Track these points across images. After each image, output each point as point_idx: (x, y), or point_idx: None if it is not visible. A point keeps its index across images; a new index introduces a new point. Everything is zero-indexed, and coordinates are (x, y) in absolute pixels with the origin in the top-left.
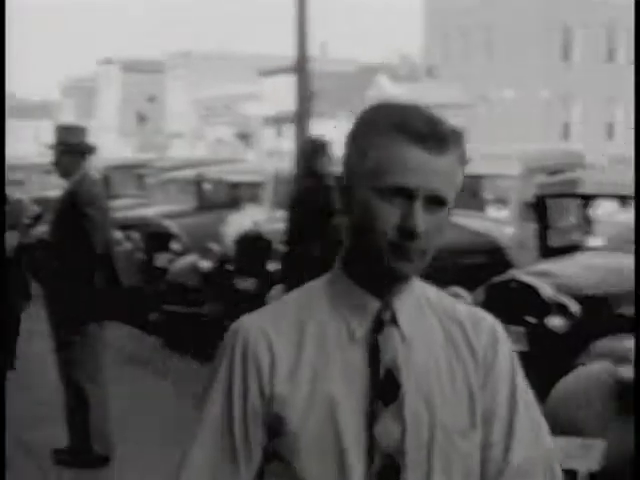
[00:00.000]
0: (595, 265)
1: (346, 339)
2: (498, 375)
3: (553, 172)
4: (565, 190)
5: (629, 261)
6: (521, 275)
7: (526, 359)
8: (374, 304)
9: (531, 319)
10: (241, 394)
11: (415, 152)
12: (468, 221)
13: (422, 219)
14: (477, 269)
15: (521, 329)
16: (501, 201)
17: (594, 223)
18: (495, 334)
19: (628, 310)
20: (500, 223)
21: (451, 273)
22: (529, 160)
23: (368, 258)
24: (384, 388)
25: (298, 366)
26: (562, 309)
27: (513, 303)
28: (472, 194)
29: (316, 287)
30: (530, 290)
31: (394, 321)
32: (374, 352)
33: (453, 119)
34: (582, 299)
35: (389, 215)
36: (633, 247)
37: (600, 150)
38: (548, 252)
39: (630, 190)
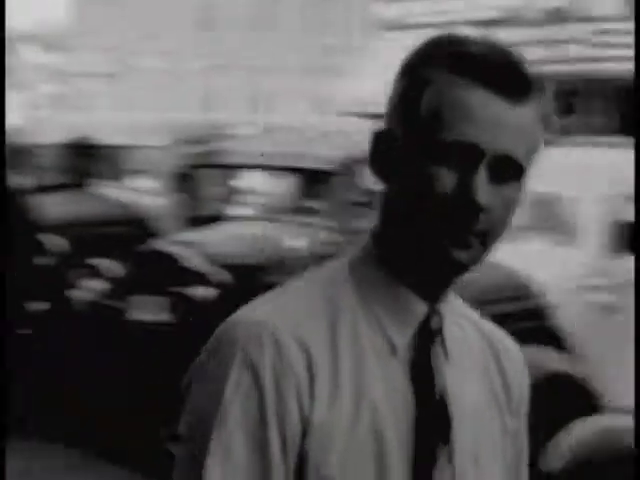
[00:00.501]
0: (242, 234)
1: (385, 350)
2: (524, 433)
3: (199, 142)
4: (211, 161)
5: (276, 230)
6: (163, 244)
7: (171, 330)
8: (420, 307)
9: (175, 289)
10: (276, 422)
11: (486, 98)
12: (109, 191)
13: (486, 189)
14: (119, 239)
15: (165, 299)
16: (143, 171)
17: (243, 193)
18: (525, 370)
19: (276, 278)
20: (147, 194)
21: (92, 244)
22: (175, 130)
23: (415, 242)
24: (436, 422)
25: (338, 383)
26: (208, 278)
27: (156, 273)
28: (110, 164)
29: (335, 274)
30: (173, 259)
31: (441, 333)
32: (423, 372)
33: (95, 87)
34: (230, 268)
35: (445, 181)
36: (281, 217)
37: (251, 120)
38: (195, 222)
39: (280, 160)
